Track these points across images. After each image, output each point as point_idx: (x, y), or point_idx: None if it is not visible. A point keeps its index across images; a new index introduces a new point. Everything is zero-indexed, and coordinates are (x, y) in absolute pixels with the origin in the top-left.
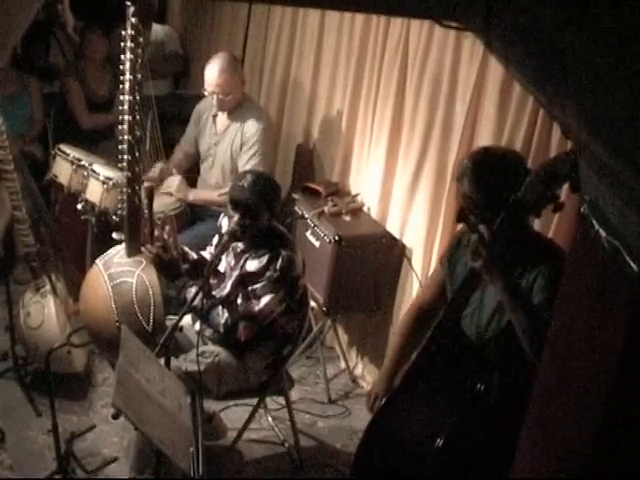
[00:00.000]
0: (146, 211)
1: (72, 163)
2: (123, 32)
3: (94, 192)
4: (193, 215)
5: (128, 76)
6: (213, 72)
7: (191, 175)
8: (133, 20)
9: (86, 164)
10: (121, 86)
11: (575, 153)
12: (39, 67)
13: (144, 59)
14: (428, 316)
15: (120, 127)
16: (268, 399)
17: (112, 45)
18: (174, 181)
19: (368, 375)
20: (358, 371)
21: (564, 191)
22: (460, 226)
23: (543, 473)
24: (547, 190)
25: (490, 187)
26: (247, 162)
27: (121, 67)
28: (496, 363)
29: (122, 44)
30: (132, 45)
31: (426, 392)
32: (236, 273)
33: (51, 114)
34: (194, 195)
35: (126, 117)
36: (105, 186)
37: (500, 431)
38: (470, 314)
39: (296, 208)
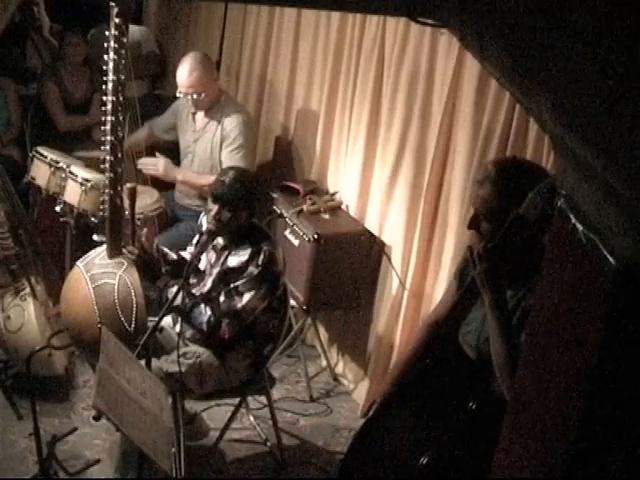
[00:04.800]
0: (128, 212)
1: (50, 165)
2: (97, 33)
3: (72, 194)
4: (173, 215)
5: (111, 77)
6: (183, 73)
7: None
8: (117, 20)
9: (64, 166)
10: (104, 87)
11: None
12: (15, 69)
13: (127, 60)
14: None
15: (102, 128)
16: (250, 398)
17: (88, 47)
18: (159, 162)
19: (349, 373)
20: (339, 369)
21: None
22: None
23: (522, 473)
24: (549, 207)
25: (510, 194)
26: (229, 156)
27: (104, 68)
28: (492, 383)
29: (105, 45)
30: (116, 45)
31: (418, 406)
32: (217, 270)
33: (28, 116)
34: (183, 174)
35: (109, 118)
36: (83, 188)
37: (488, 452)
38: (472, 331)
39: (275, 207)
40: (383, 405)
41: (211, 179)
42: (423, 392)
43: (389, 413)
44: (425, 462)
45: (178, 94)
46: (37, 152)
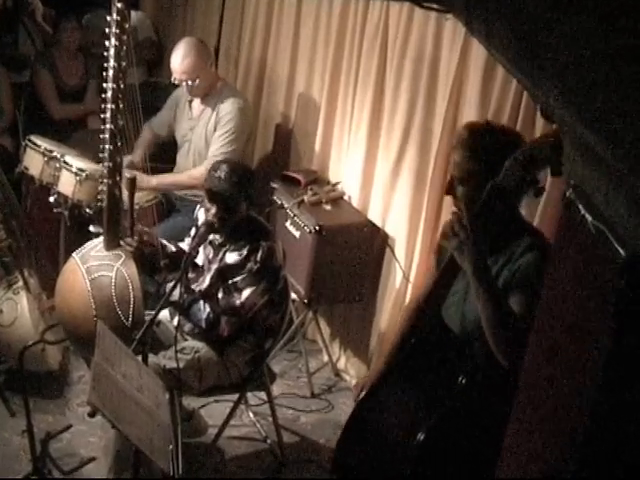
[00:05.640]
0: (127, 203)
1: (43, 155)
2: (92, 19)
3: (67, 184)
4: (169, 206)
5: (112, 63)
6: (177, 59)
7: (158, 165)
8: (119, 5)
9: (58, 155)
10: (103, 74)
11: (555, 136)
12: (8, 56)
13: (129, 46)
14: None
15: (102, 116)
16: (249, 395)
17: (83, 33)
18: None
19: (351, 368)
20: (341, 364)
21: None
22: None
23: (530, 469)
24: (526, 174)
25: (483, 156)
26: (219, 140)
27: (102, 54)
28: (479, 356)
29: (100, 30)
30: (117, 31)
31: (408, 385)
32: (215, 266)
33: (21, 105)
34: (158, 180)
35: (109, 106)
36: (78, 178)
37: (483, 425)
38: (454, 305)
39: (275, 198)
40: (373, 389)
41: (191, 173)
42: (412, 371)
43: (380, 396)
44: (422, 439)
45: (173, 80)
46: (30, 141)
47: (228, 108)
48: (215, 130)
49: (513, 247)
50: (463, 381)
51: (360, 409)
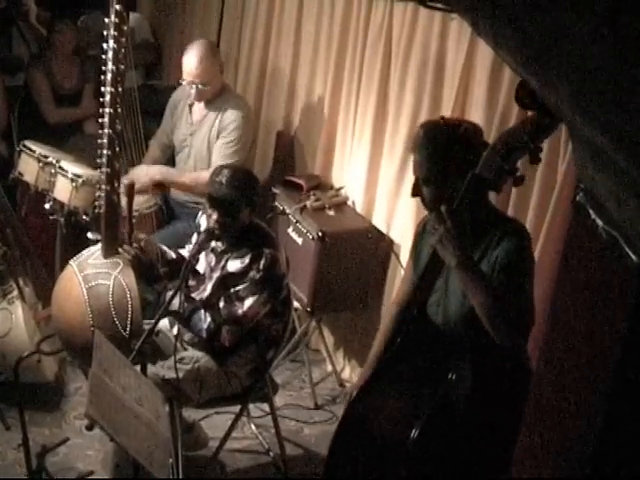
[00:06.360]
0: (126, 210)
1: (38, 160)
2: (87, 20)
3: (62, 190)
4: (170, 213)
5: (110, 66)
6: (192, 61)
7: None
8: (117, 7)
9: (53, 161)
10: (93, 76)
11: (531, 122)
12: (1, 59)
13: (128, 48)
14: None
15: (100, 121)
16: (251, 406)
17: (79, 35)
18: (134, 170)
19: (356, 378)
20: (346, 374)
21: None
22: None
23: (542, 474)
24: (505, 164)
25: (442, 156)
26: (223, 149)
27: (100, 57)
28: (466, 350)
29: (96, 33)
30: (116, 33)
31: (397, 385)
32: (217, 274)
33: (15, 109)
34: (162, 175)
35: (107, 110)
36: (74, 184)
37: (476, 420)
38: (436, 301)
39: (277, 203)
40: (360, 393)
41: (197, 177)
42: (399, 371)
43: (368, 399)
44: (416, 435)
45: (181, 82)
46: (25, 146)
47: (232, 117)
48: (218, 137)
49: (489, 236)
50: (453, 377)
51: (349, 414)
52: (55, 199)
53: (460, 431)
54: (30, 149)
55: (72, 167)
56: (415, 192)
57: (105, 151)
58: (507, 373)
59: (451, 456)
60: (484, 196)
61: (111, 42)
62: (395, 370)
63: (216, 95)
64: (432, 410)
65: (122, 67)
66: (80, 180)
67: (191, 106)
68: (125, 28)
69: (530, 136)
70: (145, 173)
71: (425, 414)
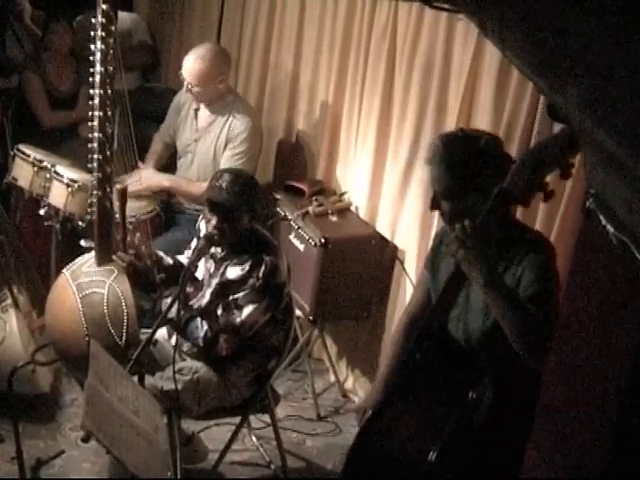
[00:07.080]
0: (118, 215)
1: (33, 165)
2: (83, 21)
3: (58, 196)
4: (168, 219)
5: (99, 68)
6: (188, 61)
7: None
8: (104, 7)
9: (48, 166)
10: (90, 79)
11: (564, 136)
12: None
13: (116, 50)
14: (419, 324)
15: (90, 124)
16: (252, 417)
17: (74, 36)
18: (140, 173)
19: (360, 389)
20: (349, 385)
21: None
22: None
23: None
24: (534, 178)
25: (462, 170)
26: (230, 160)
27: (91, 58)
28: (487, 368)
29: (91, 34)
30: (103, 34)
31: (415, 404)
32: (216, 281)
33: (9, 112)
34: (171, 181)
35: (96, 113)
36: (70, 189)
37: (496, 440)
38: (456, 316)
39: (278, 209)
40: (377, 412)
41: (204, 187)
42: (416, 390)
43: (384, 419)
44: (434, 457)
45: (178, 75)
46: (19, 151)
47: (242, 127)
48: (225, 147)
49: (513, 250)
50: (474, 396)
51: (363, 436)
52: (50, 204)
53: (480, 452)
54: (24, 153)
55: (68, 172)
56: (434, 206)
57: (96, 155)
58: (529, 392)
59: (470, 479)
60: (509, 210)
61: (99, 43)
62: (412, 387)
63: (218, 99)
64: (451, 431)
65: (111, 69)
66: (76, 185)
67: (197, 111)
68: (113, 28)
69: (562, 150)
70: (154, 178)
71: (444, 435)
